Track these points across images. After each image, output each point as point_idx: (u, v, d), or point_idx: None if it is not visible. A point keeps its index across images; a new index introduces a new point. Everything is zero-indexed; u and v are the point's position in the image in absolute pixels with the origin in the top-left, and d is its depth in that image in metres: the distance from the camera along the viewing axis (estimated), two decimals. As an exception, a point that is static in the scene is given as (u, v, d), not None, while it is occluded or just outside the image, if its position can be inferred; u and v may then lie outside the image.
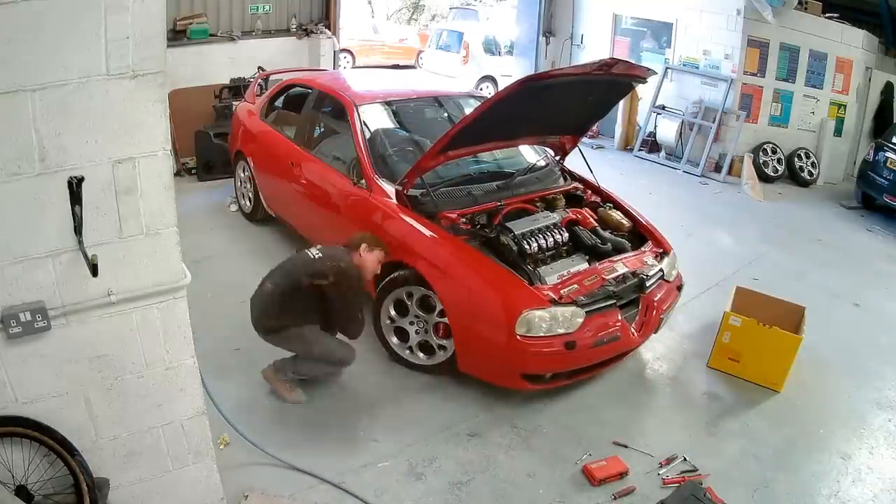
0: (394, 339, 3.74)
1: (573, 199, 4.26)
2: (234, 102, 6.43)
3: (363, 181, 3.99)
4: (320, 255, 3.26)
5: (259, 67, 7.07)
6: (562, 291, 3.36)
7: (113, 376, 2.19)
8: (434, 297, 3.47)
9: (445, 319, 3.45)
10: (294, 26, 8.19)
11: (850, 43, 8.83)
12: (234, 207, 5.85)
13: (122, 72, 1.87)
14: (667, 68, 8.97)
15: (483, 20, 17.90)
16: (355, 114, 4.28)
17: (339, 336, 3.39)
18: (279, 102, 5.45)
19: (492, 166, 4.33)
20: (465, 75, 13.04)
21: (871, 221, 7.48)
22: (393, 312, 3.69)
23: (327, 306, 3.24)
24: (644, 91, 8.61)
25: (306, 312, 3.24)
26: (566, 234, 3.77)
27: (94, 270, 1.96)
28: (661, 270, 3.79)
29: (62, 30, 1.76)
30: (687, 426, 3.50)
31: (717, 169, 8.46)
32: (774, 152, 8.57)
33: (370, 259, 3.31)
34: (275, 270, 3.36)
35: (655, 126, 9.12)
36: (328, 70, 7.85)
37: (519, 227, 3.66)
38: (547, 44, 10.69)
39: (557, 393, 3.57)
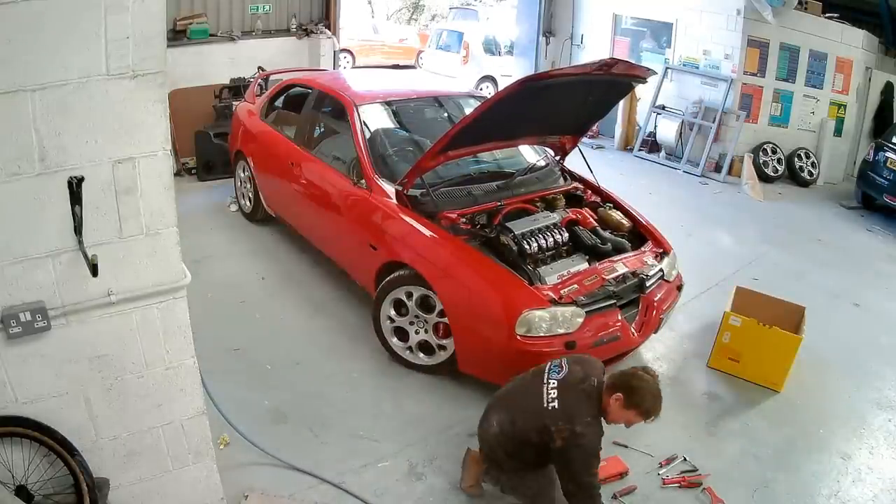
0: (394, 340, 3.74)
1: (573, 199, 4.26)
2: (234, 102, 6.43)
3: (363, 181, 3.99)
4: (555, 403, 2.50)
5: (259, 67, 7.06)
6: (562, 291, 3.36)
7: (113, 376, 2.19)
8: (434, 297, 3.47)
9: (445, 319, 3.45)
10: (294, 26, 8.19)
11: (850, 43, 8.83)
12: (234, 207, 5.85)
13: (122, 72, 1.87)
14: (667, 68, 8.96)
15: (483, 20, 17.90)
16: (355, 114, 4.28)
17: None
18: (279, 102, 5.45)
19: (492, 166, 4.33)
20: (465, 75, 13.04)
21: (871, 221, 7.48)
22: (393, 312, 3.69)
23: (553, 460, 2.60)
24: (644, 91, 8.61)
25: (538, 462, 2.65)
26: (566, 234, 3.77)
27: (94, 270, 1.96)
28: (661, 270, 3.78)
29: (62, 30, 1.76)
30: (687, 426, 3.50)
31: (717, 169, 8.46)
32: (774, 152, 8.57)
33: (617, 414, 2.52)
34: (502, 402, 2.76)
35: (655, 126, 9.11)
36: (328, 70, 7.84)
37: (519, 227, 3.66)
38: (547, 44, 10.69)
39: (557, 393, 3.57)
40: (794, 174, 8.62)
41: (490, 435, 2.71)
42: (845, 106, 9.11)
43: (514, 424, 2.62)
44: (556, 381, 2.58)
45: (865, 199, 7.85)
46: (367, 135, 4.21)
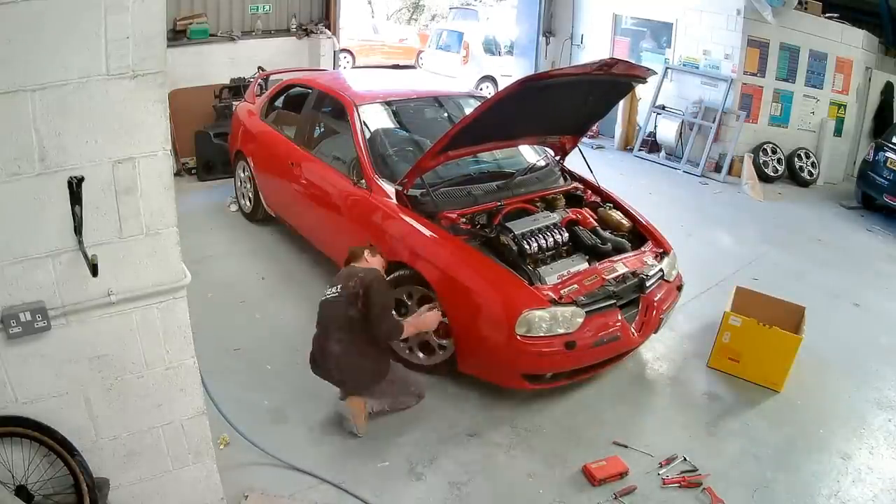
0: (394, 339, 3.75)
1: (573, 199, 4.26)
2: (234, 102, 6.44)
3: (363, 181, 3.99)
4: (338, 285, 3.13)
5: (259, 67, 7.07)
6: (562, 291, 3.36)
7: (113, 376, 2.19)
8: (434, 296, 3.47)
9: (445, 319, 3.45)
10: (294, 26, 8.19)
11: (850, 43, 8.83)
12: (234, 207, 5.85)
13: (122, 72, 1.87)
14: (667, 68, 8.96)
15: (483, 20, 17.90)
16: (355, 114, 4.28)
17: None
18: (279, 102, 5.45)
19: (492, 166, 4.33)
20: (465, 75, 13.03)
21: (871, 221, 7.48)
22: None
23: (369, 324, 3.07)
24: (644, 91, 8.61)
25: (375, 342, 3.12)
26: (566, 234, 3.77)
27: (94, 270, 1.96)
28: (661, 270, 3.78)
29: (62, 30, 1.76)
30: (687, 426, 3.50)
31: (717, 169, 8.46)
32: (774, 152, 8.57)
33: (376, 262, 3.29)
34: (321, 331, 3.18)
35: (655, 126, 9.11)
36: (328, 70, 7.85)
37: (519, 227, 3.66)
38: (547, 44, 10.69)
39: (557, 393, 3.57)
40: (794, 174, 8.62)
41: (335, 356, 3.07)
42: (845, 106, 9.11)
43: (337, 321, 3.05)
44: (329, 287, 3.18)
45: (865, 199, 7.85)
46: (367, 135, 4.21)
